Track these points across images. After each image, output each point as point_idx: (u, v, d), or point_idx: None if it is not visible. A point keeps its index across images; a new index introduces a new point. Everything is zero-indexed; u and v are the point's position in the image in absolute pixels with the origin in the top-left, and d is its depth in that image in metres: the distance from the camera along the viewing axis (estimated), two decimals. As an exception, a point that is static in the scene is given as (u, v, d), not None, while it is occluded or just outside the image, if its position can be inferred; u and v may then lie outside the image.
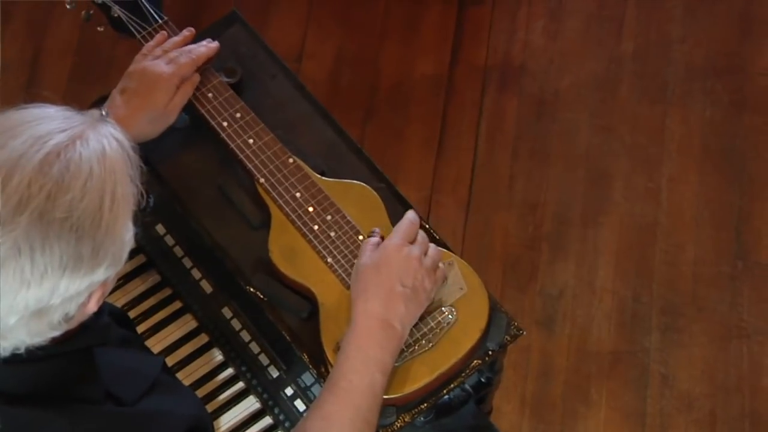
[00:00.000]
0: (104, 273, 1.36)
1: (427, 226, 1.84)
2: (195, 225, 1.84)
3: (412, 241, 1.74)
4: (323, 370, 1.74)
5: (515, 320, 1.79)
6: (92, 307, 1.40)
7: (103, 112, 1.73)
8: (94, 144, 1.35)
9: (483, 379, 1.90)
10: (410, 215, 1.77)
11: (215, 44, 1.89)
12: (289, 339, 1.78)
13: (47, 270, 1.30)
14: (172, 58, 1.83)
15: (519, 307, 2.82)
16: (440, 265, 1.76)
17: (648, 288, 2.84)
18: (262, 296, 1.79)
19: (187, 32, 1.89)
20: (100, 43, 3.03)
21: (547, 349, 2.79)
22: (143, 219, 1.58)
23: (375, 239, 1.74)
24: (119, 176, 1.37)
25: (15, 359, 1.38)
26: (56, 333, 1.39)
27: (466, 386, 1.89)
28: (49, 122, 1.36)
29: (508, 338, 1.78)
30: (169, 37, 1.87)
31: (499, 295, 2.82)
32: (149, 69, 1.82)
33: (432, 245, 1.76)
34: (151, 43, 1.87)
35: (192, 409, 1.58)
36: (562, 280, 2.85)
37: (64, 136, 1.34)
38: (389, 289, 1.68)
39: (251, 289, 1.80)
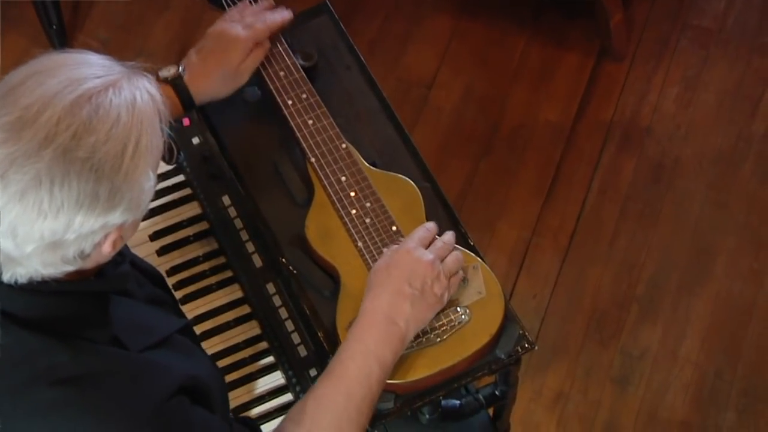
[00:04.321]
0: (120, 216, 1.43)
1: (463, 231, 1.88)
2: (244, 192, 1.93)
3: (427, 247, 1.79)
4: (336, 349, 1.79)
5: (529, 334, 1.80)
6: (107, 248, 1.47)
7: (180, 68, 1.86)
8: (126, 93, 1.43)
9: (497, 392, 1.92)
10: (427, 224, 1.83)
11: (289, 13, 1.97)
12: (308, 314, 1.84)
13: (63, 204, 1.38)
14: (248, 23, 1.92)
15: (596, 360, 2.80)
16: (460, 272, 1.80)
17: (732, 367, 2.78)
18: (292, 269, 1.86)
19: (267, 2, 1.98)
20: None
21: (617, 407, 2.76)
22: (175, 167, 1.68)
23: (395, 246, 1.79)
24: (146, 127, 1.44)
25: (31, 287, 1.47)
26: (70, 268, 1.47)
27: (479, 396, 1.91)
28: (87, 68, 1.44)
29: (519, 349, 1.79)
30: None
31: (580, 346, 2.82)
32: (226, 30, 1.92)
33: (454, 253, 1.80)
34: (233, 8, 1.97)
35: (195, 370, 1.63)
36: (645, 343, 2.82)
37: (99, 81, 1.42)
38: (397, 289, 1.73)
39: (283, 260, 1.87)
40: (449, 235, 1.83)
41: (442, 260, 1.78)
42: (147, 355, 1.57)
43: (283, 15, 1.96)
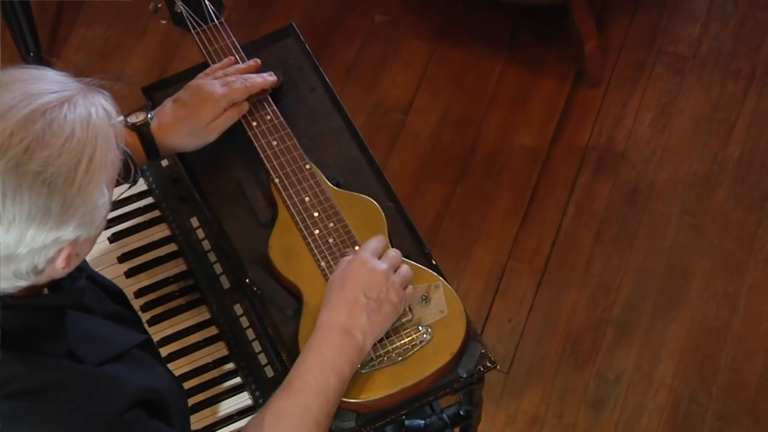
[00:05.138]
0: (73, 232, 1.44)
1: (426, 251, 1.89)
2: (208, 212, 1.94)
3: (380, 257, 1.79)
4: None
5: (491, 353, 1.81)
6: (60, 263, 1.48)
7: (149, 116, 1.86)
8: (81, 109, 1.44)
9: (462, 412, 1.92)
10: (380, 236, 1.84)
11: (273, 77, 1.96)
12: (271, 333, 1.85)
13: (15, 218, 1.39)
14: (228, 82, 1.91)
15: (571, 384, 2.80)
16: (411, 285, 1.81)
17: (707, 390, 2.78)
18: (255, 289, 1.87)
19: (253, 62, 1.98)
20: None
21: (592, 431, 2.76)
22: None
23: (349, 257, 1.81)
24: (100, 142, 1.45)
25: None
26: (23, 283, 1.47)
27: (444, 415, 1.91)
28: (43, 83, 1.45)
29: (481, 368, 1.80)
30: (227, 50, 1.97)
31: (555, 370, 2.82)
32: (203, 86, 1.91)
33: (405, 264, 1.81)
34: (217, 64, 1.97)
35: (153, 384, 1.63)
36: (620, 367, 2.82)
37: (54, 97, 1.43)
38: (353, 300, 1.74)
39: (247, 281, 1.88)
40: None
41: (395, 270, 1.79)
42: (103, 369, 1.58)
43: (266, 78, 1.95)
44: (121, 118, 1.77)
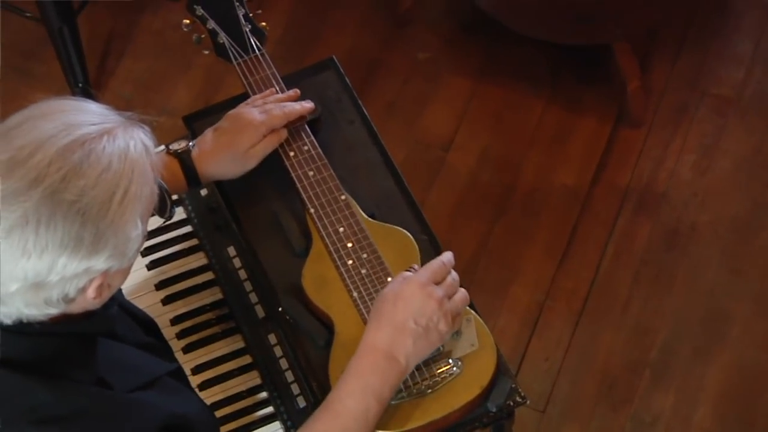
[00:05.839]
0: (105, 262, 1.46)
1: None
2: (243, 241, 1.95)
3: (439, 282, 1.78)
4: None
5: (521, 389, 1.80)
6: (91, 293, 1.49)
7: (190, 144, 1.89)
8: (119, 142, 1.46)
9: (492, 447, 1.91)
10: (445, 256, 1.82)
11: (311, 105, 1.99)
12: (303, 363, 1.85)
13: (48, 245, 1.41)
14: (267, 109, 1.94)
15: (607, 426, 2.78)
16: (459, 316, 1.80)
17: (745, 435, 2.75)
18: (288, 318, 1.88)
19: (293, 92, 2.00)
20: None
21: (627, 474, 2.74)
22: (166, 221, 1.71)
23: (408, 273, 1.79)
24: (136, 176, 1.46)
25: (15, 329, 1.49)
26: (54, 311, 1.48)
27: (473, 450, 1.90)
28: (85, 114, 1.48)
29: (511, 403, 1.79)
30: (267, 81, 2.00)
31: (591, 411, 2.79)
32: (243, 114, 1.94)
33: (462, 290, 1.80)
34: (258, 96, 1.99)
35: (181, 409, 1.64)
36: (658, 410, 2.80)
37: (94, 129, 1.45)
38: (401, 323, 1.73)
39: (279, 309, 1.89)
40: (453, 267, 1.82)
41: (450, 297, 1.77)
42: (132, 395, 1.58)
43: (304, 105, 1.97)
44: (162, 147, 1.80)
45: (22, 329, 1.48)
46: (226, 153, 1.92)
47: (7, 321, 1.48)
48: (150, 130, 1.55)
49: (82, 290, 1.48)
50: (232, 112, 1.96)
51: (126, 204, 1.44)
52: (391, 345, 1.72)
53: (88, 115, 1.48)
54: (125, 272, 1.55)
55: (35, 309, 1.47)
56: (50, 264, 1.42)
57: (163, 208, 1.69)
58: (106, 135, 1.45)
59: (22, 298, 1.44)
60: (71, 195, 1.40)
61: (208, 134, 1.94)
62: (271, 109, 1.94)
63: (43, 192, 1.39)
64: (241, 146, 1.92)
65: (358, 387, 1.71)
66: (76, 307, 1.51)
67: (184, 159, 1.90)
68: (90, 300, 1.50)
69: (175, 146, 1.91)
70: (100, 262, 1.45)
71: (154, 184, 1.52)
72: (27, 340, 1.50)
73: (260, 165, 1.95)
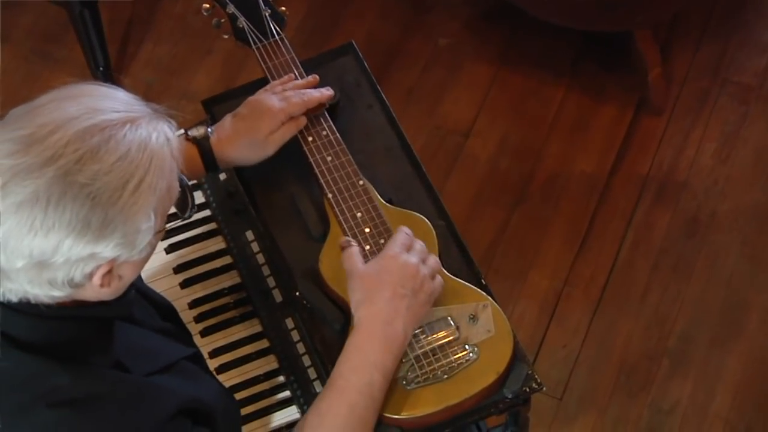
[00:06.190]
0: (111, 250, 1.45)
1: (476, 270, 1.89)
2: (261, 225, 1.96)
3: (409, 250, 1.81)
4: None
5: (538, 375, 1.80)
6: (97, 280, 1.48)
7: (209, 129, 1.89)
8: (142, 131, 1.46)
9: (507, 434, 1.91)
10: (405, 228, 1.85)
11: (330, 92, 1.98)
12: (319, 348, 1.86)
13: (54, 225, 1.40)
14: (286, 96, 1.94)
15: (624, 414, 2.78)
16: (438, 276, 1.82)
17: (763, 424, 2.74)
18: (305, 302, 1.88)
19: (311, 78, 2.00)
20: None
21: (644, 462, 2.73)
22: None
23: (355, 248, 1.82)
24: (154, 167, 1.46)
25: (30, 311, 1.49)
26: (58, 293, 1.48)
27: (489, 436, 1.91)
28: (111, 101, 1.48)
29: (527, 389, 1.79)
30: (287, 66, 1.99)
31: (608, 399, 2.79)
32: (262, 100, 1.94)
33: (432, 255, 1.83)
34: (277, 81, 1.99)
35: (199, 393, 1.64)
36: (675, 398, 2.79)
37: (117, 116, 1.45)
38: (391, 293, 1.75)
39: (296, 294, 1.89)
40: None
41: (424, 261, 1.80)
42: (149, 379, 1.59)
43: (323, 93, 1.97)
44: (182, 131, 1.80)
45: (39, 312, 1.48)
46: (245, 139, 1.92)
47: (13, 298, 1.48)
48: (176, 124, 1.55)
49: (89, 276, 1.47)
50: (251, 98, 1.96)
51: (139, 194, 1.44)
52: (387, 314, 1.74)
53: (115, 102, 1.48)
54: (137, 265, 1.54)
55: (39, 289, 1.46)
56: (56, 244, 1.41)
57: (183, 206, 1.68)
58: (129, 123, 1.45)
59: (27, 275, 1.44)
60: (84, 178, 1.40)
61: (227, 120, 1.95)
62: (291, 96, 1.94)
63: (56, 171, 1.40)
64: (260, 133, 1.92)
65: (360, 361, 1.72)
66: (87, 295, 1.51)
67: (203, 145, 1.91)
68: (98, 288, 1.49)
69: (193, 132, 1.92)
70: (107, 250, 1.44)
71: (174, 180, 1.51)
72: (45, 323, 1.50)
73: (279, 150, 1.95)
